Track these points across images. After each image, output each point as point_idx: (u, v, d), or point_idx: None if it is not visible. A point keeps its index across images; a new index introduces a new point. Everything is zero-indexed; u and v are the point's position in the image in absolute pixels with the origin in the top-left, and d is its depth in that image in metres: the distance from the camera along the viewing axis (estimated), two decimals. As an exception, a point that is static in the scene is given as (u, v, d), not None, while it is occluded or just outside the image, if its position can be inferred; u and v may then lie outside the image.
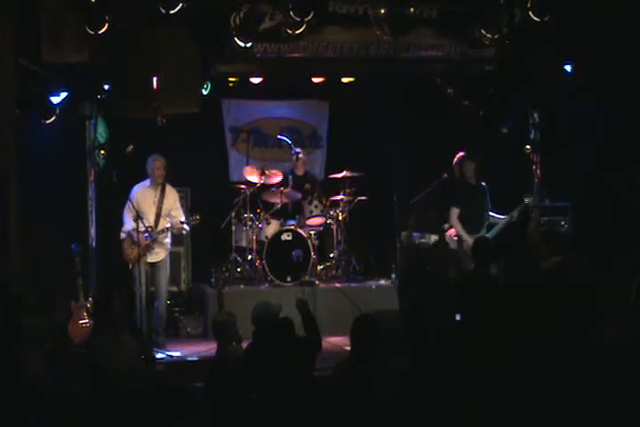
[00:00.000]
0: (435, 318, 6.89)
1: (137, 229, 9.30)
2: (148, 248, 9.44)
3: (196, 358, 8.82)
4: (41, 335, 6.63)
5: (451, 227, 10.20)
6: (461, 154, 10.28)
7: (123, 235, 9.58)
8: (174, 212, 9.63)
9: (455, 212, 9.97)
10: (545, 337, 4.79)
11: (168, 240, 9.64)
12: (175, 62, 9.29)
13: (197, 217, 9.67)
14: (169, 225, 9.50)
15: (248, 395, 5.16)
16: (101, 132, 10.23)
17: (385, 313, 8.54)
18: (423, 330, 6.21)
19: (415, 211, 10.69)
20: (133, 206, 9.44)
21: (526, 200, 10.06)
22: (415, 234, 10.48)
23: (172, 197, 9.70)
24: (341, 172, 11.10)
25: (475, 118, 11.24)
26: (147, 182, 9.69)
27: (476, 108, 11.25)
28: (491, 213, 10.16)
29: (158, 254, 9.55)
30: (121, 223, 9.64)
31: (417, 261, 9.98)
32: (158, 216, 9.55)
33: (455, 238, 10.08)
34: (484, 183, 10.20)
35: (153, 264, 9.56)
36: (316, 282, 10.59)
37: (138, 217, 9.31)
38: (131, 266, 9.47)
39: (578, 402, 4.42)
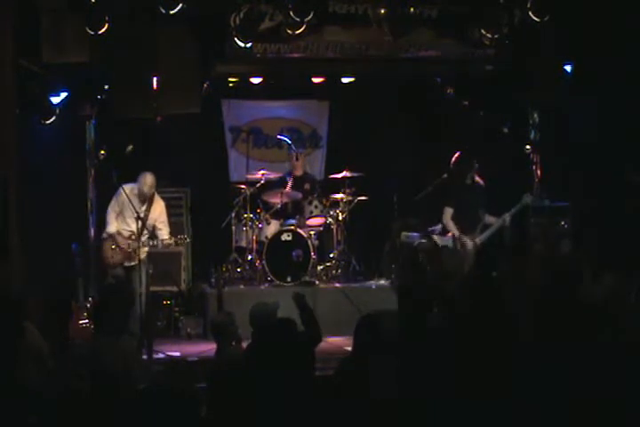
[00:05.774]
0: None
1: (121, 234, 9.30)
2: (130, 255, 9.30)
3: (195, 358, 8.81)
4: (40, 336, 6.62)
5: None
6: (458, 153, 10.22)
7: (104, 235, 9.45)
8: (160, 224, 9.43)
9: (449, 212, 9.93)
10: (546, 337, 4.80)
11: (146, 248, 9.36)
12: (175, 62, 9.31)
13: (185, 237, 9.52)
14: (159, 246, 9.25)
15: (248, 395, 5.15)
16: None
17: (385, 313, 8.50)
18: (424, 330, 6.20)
19: (402, 216, 10.71)
20: (118, 205, 9.35)
21: (527, 200, 10.00)
22: (414, 234, 10.47)
23: (158, 207, 9.50)
24: (341, 172, 11.09)
25: (475, 118, 11.25)
26: (136, 189, 9.43)
27: (476, 108, 11.27)
28: (487, 215, 10.07)
29: (135, 259, 9.29)
30: (104, 222, 9.54)
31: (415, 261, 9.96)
32: (144, 226, 9.21)
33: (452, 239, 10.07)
34: (481, 182, 10.14)
35: (128, 267, 9.40)
36: (316, 282, 10.58)
37: (122, 217, 9.29)
38: (111, 270, 9.39)
39: (579, 401, 4.42)
